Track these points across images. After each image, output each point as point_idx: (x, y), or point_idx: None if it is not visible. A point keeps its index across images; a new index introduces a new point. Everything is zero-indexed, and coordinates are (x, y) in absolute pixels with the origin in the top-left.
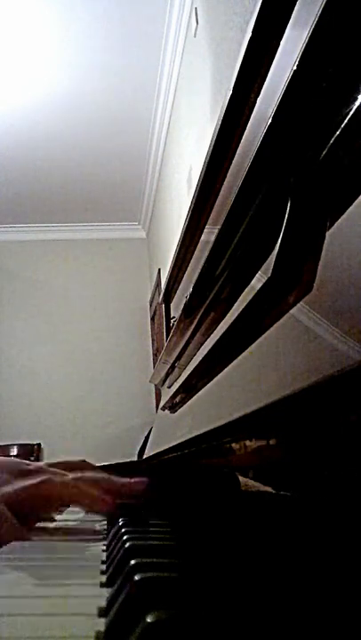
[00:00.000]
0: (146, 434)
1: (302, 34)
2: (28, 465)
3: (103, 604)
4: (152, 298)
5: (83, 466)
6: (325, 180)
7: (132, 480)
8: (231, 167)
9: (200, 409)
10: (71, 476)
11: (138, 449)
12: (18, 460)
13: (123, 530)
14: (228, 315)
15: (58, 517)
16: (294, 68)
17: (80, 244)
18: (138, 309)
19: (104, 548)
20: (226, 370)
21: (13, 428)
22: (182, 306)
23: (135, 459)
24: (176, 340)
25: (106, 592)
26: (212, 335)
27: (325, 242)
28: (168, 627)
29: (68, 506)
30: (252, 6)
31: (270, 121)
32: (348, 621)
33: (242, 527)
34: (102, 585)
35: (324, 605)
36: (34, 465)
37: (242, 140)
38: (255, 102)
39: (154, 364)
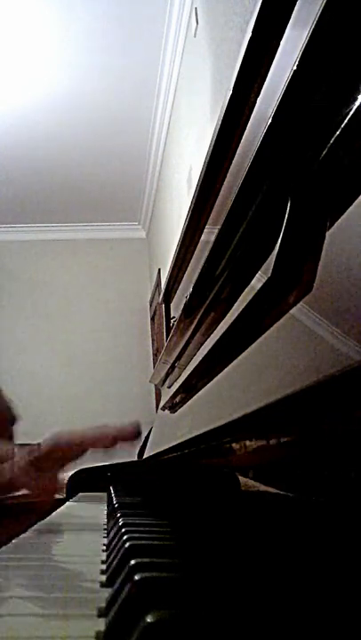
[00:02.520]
0: (146, 434)
1: (302, 34)
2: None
3: (103, 604)
4: (152, 298)
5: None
6: (325, 180)
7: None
8: (231, 167)
9: (200, 409)
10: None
11: (137, 447)
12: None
13: (123, 530)
14: (228, 315)
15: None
16: (294, 68)
17: (80, 243)
18: (138, 309)
19: (104, 547)
20: (226, 370)
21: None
22: (182, 306)
23: (135, 459)
24: (176, 340)
25: (106, 592)
26: (212, 335)
27: (325, 242)
28: (168, 627)
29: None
30: (252, 6)
31: (270, 121)
32: (347, 621)
33: (242, 527)
34: (102, 585)
35: (323, 605)
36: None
37: (242, 140)
38: (255, 102)
39: (154, 363)
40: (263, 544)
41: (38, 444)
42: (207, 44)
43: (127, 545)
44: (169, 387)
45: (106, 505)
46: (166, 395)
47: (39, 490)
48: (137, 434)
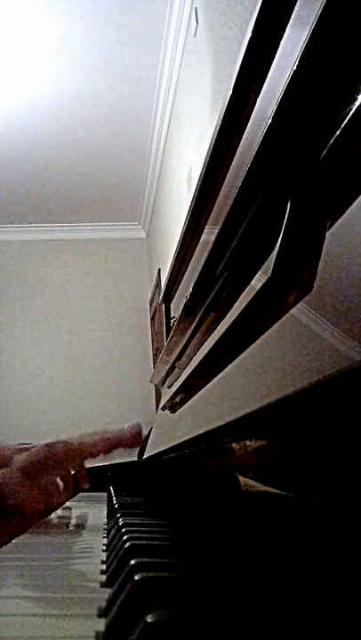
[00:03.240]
0: (146, 434)
1: (302, 34)
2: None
3: (103, 604)
4: (152, 298)
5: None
6: (325, 180)
7: (125, 426)
8: (231, 167)
9: (200, 409)
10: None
11: (138, 449)
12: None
13: (123, 530)
14: (228, 315)
15: (58, 514)
16: (294, 68)
17: (80, 244)
18: (138, 309)
19: (104, 547)
20: (226, 370)
21: (13, 427)
22: (182, 306)
23: (135, 459)
24: (176, 340)
25: (106, 592)
26: (212, 335)
27: (325, 242)
28: (168, 627)
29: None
30: (252, 6)
31: (270, 121)
32: (348, 621)
33: (242, 527)
34: (102, 585)
35: (323, 605)
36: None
37: (242, 140)
38: (255, 102)
39: (154, 363)
40: (263, 544)
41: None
42: (207, 44)
43: (127, 545)
44: (169, 387)
45: (106, 505)
46: (166, 395)
47: (31, 499)
48: (138, 439)
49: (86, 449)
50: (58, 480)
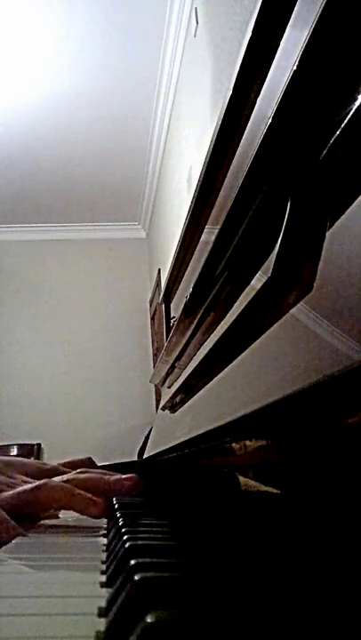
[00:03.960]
0: (146, 434)
1: (302, 34)
2: (45, 465)
3: (103, 604)
4: (152, 298)
5: (86, 464)
6: (325, 180)
7: (123, 477)
8: (231, 167)
9: (200, 409)
10: (65, 477)
11: (138, 449)
12: (37, 461)
13: (123, 530)
14: (228, 315)
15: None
16: (294, 68)
17: (80, 243)
18: (138, 309)
19: (104, 547)
20: (226, 370)
21: (13, 427)
22: (182, 306)
23: (135, 459)
24: (176, 340)
25: (106, 592)
26: (212, 335)
27: (325, 242)
28: (168, 627)
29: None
30: (252, 6)
31: (270, 121)
32: (348, 621)
33: (242, 527)
34: (102, 585)
35: (324, 605)
36: (50, 465)
37: (242, 140)
38: (255, 102)
39: (154, 363)
40: (263, 544)
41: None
42: (207, 44)
43: (127, 545)
44: (169, 387)
45: None
46: (166, 395)
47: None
48: (136, 487)
49: (71, 502)
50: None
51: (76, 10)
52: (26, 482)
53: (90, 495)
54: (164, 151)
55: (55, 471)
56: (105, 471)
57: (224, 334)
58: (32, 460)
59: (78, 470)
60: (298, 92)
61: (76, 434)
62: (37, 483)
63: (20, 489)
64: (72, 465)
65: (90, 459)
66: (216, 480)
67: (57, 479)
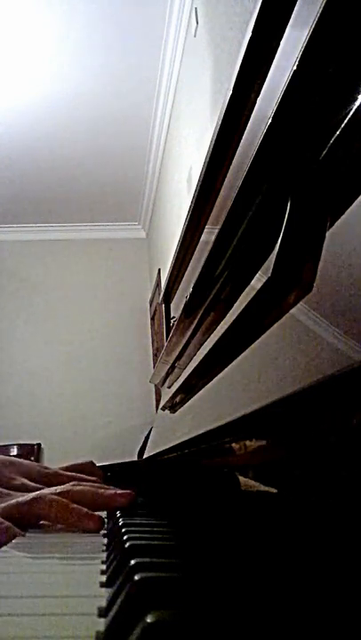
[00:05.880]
0: (146, 434)
1: (302, 34)
2: (46, 469)
3: (103, 604)
4: (152, 298)
5: (88, 468)
6: (325, 180)
7: (119, 492)
8: (231, 167)
9: (200, 409)
10: (59, 489)
11: (138, 449)
12: (38, 464)
13: (123, 530)
14: (228, 315)
15: None
16: (294, 68)
17: (80, 243)
18: (138, 309)
19: (104, 547)
20: (226, 370)
21: (13, 428)
22: (182, 306)
23: (135, 459)
24: (176, 340)
25: (106, 592)
26: (212, 335)
27: (325, 242)
28: (168, 627)
29: None
30: (252, 6)
31: (270, 121)
32: (348, 621)
33: (242, 527)
34: (102, 585)
35: (324, 604)
36: (52, 470)
37: (242, 140)
38: (255, 102)
39: (154, 363)
40: (263, 544)
41: (38, 445)
42: (207, 44)
43: (127, 545)
44: (169, 387)
45: None
46: (166, 395)
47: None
48: (130, 503)
49: (65, 517)
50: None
51: (76, 10)
52: (25, 486)
53: (85, 510)
54: (164, 151)
55: (56, 476)
56: (100, 485)
57: (224, 334)
58: (34, 462)
59: (72, 483)
60: (298, 91)
61: (76, 434)
62: (34, 494)
63: (15, 501)
64: (73, 469)
65: (92, 462)
66: (216, 480)
67: (51, 490)
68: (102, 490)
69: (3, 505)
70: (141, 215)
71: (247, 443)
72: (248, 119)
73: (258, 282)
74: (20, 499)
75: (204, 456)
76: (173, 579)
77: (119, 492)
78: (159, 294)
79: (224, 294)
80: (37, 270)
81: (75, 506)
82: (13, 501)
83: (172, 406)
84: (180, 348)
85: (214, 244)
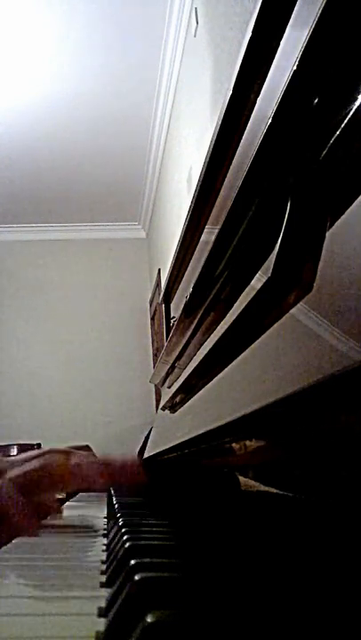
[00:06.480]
0: (146, 434)
1: (302, 34)
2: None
3: (103, 604)
4: (152, 298)
5: (84, 449)
6: (325, 180)
7: (127, 459)
8: (231, 167)
9: (200, 409)
10: (71, 459)
11: (138, 449)
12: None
13: (123, 530)
14: (229, 315)
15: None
16: (294, 68)
17: (80, 243)
18: (138, 309)
19: (104, 547)
20: (226, 370)
21: (13, 427)
22: (182, 306)
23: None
24: (176, 340)
25: (106, 592)
26: (212, 335)
27: (325, 242)
28: (168, 627)
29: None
30: (252, 6)
31: (270, 121)
32: (348, 621)
33: (242, 527)
34: (102, 585)
35: (324, 604)
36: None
37: (242, 140)
38: (255, 102)
39: (154, 363)
40: (263, 544)
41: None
42: (207, 44)
43: (127, 545)
44: (169, 387)
45: (106, 505)
46: (166, 395)
47: (22, 515)
48: (139, 477)
49: (84, 478)
50: (48, 497)
51: (76, 10)
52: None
53: (93, 472)
54: (164, 151)
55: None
56: (105, 456)
57: (224, 334)
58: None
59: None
60: (298, 91)
61: (76, 434)
62: (42, 460)
63: (25, 468)
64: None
65: (87, 446)
66: (216, 480)
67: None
68: (111, 457)
69: (14, 473)
70: (141, 215)
71: (247, 443)
72: (248, 119)
73: (258, 282)
74: (31, 465)
75: (204, 456)
76: (173, 579)
77: (127, 459)
78: (159, 294)
79: (224, 294)
80: (37, 270)
81: (86, 470)
82: (26, 468)
83: (172, 406)
84: (180, 348)
85: (214, 244)
